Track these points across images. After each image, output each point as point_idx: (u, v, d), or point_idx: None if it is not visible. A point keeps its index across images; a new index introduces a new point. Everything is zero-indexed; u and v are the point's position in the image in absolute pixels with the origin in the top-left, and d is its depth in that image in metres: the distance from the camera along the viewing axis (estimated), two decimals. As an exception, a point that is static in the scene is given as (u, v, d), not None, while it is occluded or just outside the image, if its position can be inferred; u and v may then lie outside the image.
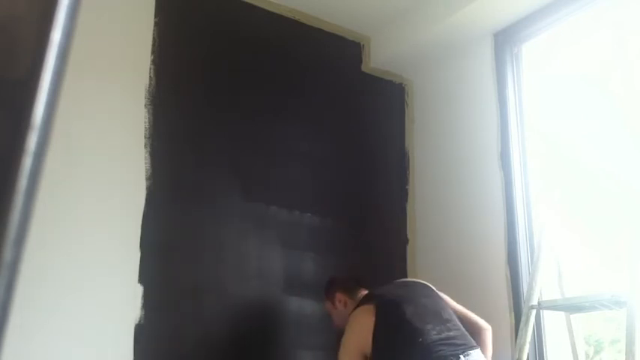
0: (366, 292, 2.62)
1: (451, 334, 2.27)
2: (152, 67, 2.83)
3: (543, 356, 2.63)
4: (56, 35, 0.47)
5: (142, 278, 2.59)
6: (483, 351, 2.38)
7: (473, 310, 2.57)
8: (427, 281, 2.62)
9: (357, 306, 2.48)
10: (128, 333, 2.51)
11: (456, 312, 2.48)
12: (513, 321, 2.70)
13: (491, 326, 2.54)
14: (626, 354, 2.00)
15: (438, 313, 2.35)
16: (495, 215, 2.92)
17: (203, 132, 2.94)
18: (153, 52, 2.85)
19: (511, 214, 2.87)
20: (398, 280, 2.73)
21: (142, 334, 2.54)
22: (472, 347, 2.26)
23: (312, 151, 3.24)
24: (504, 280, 2.80)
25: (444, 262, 3.14)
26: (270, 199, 3.02)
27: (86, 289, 2.46)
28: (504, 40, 3.11)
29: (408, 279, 2.74)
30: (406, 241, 3.40)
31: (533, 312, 2.31)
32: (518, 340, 2.29)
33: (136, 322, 2.54)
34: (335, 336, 2.58)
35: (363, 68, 3.58)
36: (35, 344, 2.27)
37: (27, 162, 0.45)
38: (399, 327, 2.30)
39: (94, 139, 2.62)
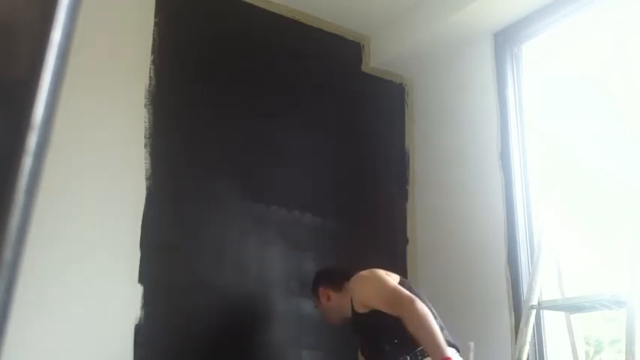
0: None
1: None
2: (152, 67, 2.83)
3: (543, 356, 2.63)
4: (56, 35, 0.47)
5: (142, 278, 2.59)
6: None
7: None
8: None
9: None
10: (128, 333, 2.51)
11: None
12: (513, 321, 2.70)
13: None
14: (626, 354, 2.00)
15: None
16: (495, 215, 2.92)
17: (203, 132, 2.94)
18: (153, 52, 2.85)
19: (511, 214, 2.87)
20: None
21: (141, 334, 2.54)
22: None
23: (313, 151, 3.24)
24: (504, 280, 2.80)
25: (444, 262, 3.14)
26: (270, 199, 3.02)
27: (86, 289, 2.46)
28: (504, 40, 3.11)
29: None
30: (406, 241, 3.39)
31: (533, 312, 2.31)
32: (518, 340, 2.29)
33: (136, 322, 2.54)
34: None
35: (363, 68, 3.58)
36: (35, 344, 2.27)
37: (27, 162, 0.45)
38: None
39: (94, 139, 2.62)
